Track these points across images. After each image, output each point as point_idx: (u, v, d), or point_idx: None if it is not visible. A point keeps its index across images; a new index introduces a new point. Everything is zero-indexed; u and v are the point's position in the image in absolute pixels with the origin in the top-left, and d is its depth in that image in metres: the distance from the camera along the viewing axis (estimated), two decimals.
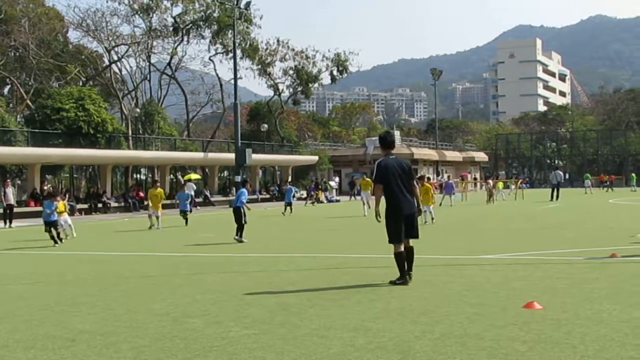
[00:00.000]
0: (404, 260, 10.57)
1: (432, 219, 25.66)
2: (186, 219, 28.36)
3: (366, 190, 33.52)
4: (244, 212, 19.98)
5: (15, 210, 35.28)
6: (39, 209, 40.97)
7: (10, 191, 35.47)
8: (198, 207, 46.59)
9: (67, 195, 41.76)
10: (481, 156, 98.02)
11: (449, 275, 11.64)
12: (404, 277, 10.56)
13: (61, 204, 22.64)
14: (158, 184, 29.75)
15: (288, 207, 36.63)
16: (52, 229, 20.64)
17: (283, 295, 10.03)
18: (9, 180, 38.55)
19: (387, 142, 11.11)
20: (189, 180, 47.18)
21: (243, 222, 19.72)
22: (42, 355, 6.90)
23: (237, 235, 19.57)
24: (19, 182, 50.46)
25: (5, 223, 32.82)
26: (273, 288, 10.75)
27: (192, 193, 45.10)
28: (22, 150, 42.50)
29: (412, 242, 10.87)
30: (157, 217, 26.89)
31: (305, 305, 9.18)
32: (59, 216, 21.64)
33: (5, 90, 60.36)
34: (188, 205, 29.53)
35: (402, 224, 10.54)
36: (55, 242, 20.39)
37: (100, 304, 9.87)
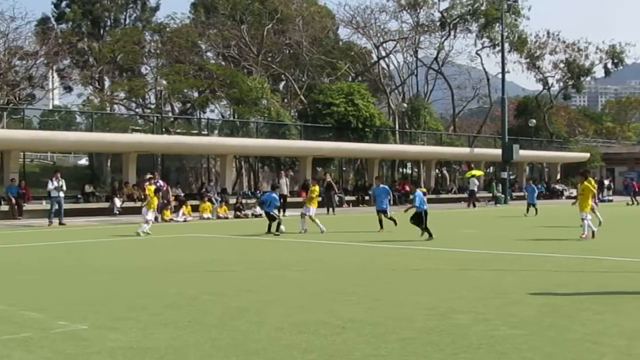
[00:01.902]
0: None
1: (590, 232, 18.97)
2: (384, 220, 22.98)
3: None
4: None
5: (288, 200, 37.33)
6: None
7: (284, 182, 37.74)
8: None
9: (335, 187, 43.54)
10: None
11: None
12: None
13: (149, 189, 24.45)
14: (314, 182, 27.23)
15: (531, 208, 33.23)
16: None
17: (551, 297, 9.70)
18: (282, 172, 40.88)
19: None
20: (472, 176, 46.86)
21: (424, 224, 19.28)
22: (314, 339, 7.21)
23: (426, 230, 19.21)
24: (291, 173, 53.22)
25: (279, 211, 34.67)
26: (541, 288, 10.40)
27: (475, 189, 45.29)
28: (296, 143, 44.83)
29: None
30: (310, 217, 23.18)
31: (576, 308, 8.80)
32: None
33: (281, 86, 63.63)
34: (386, 204, 23.45)
35: None
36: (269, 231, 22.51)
37: (367, 294, 10.13)
